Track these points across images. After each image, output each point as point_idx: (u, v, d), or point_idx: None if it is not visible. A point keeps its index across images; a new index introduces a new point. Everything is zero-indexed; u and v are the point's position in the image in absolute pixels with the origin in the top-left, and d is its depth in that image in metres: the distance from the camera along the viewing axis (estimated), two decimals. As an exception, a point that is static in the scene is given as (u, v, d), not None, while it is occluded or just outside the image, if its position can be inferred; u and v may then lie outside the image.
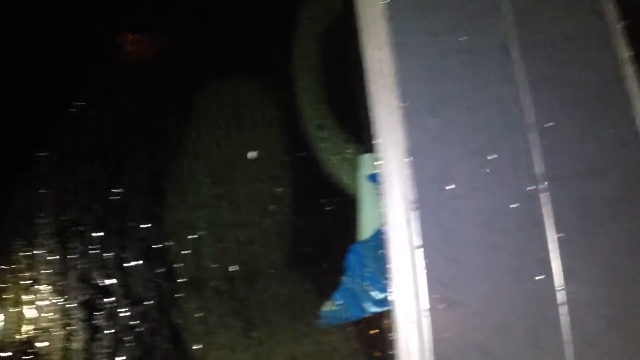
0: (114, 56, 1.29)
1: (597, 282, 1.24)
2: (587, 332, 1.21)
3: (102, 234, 1.09)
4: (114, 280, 1.10)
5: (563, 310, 1.21)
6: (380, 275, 1.23)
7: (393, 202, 1.19)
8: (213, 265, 1.21)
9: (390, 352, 1.16)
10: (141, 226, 1.15)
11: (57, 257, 1.08)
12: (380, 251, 1.21)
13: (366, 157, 1.31)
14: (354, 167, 1.33)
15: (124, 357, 1.08)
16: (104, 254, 1.11)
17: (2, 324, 1.05)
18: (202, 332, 1.18)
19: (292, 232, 1.34)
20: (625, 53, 1.38)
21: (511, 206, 1.23)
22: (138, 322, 1.11)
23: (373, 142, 1.23)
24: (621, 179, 1.31)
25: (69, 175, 1.13)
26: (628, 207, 1.30)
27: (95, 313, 1.07)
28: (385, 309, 1.21)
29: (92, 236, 1.10)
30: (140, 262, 1.14)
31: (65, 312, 1.06)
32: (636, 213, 1.31)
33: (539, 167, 1.28)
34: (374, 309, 1.22)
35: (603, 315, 1.23)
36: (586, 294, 1.23)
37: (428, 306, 1.15)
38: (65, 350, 1.07)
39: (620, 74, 1.37)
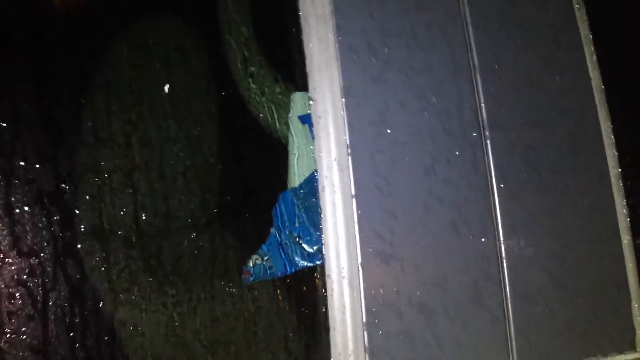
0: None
1: (539, 236, 1.18)
2: (528, 288, 1.15)
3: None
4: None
5: (505, 265, 1.14)
6: (311, 226, 1.11)
7: (326, 147, 1.08)
8: (121, 213, 1.07)
9: (321, 310, 1.06)
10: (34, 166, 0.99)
11: None
12: (312, 200, 1.10)
13: (297, 96, 1.18)
14: (283, 107, 1.21)
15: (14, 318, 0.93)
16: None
17: None
18: (108, 289, 1.04)
19: (214, 178, 1.20)
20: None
21: (455, 153, 1.14)
22: (28, 277, 0.96)
23: (305, 80, 1.11)
24: (568, 130, 1.25)
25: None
26: (573, 158, 1.24)
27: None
28: (316, 263, 1.11)
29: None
30: (30, 207, 0.98)
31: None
32: (582, 165, 1.25)
33: (483, 114, 1.19)
34: (304, 263, 1.12)
35: (544, 270, 1.17)
36: (528, 249, 1.17)
37: (362, 260, 1.05)
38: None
39: (573, 17, 1.29)
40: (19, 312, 0.95)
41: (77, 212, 1.02)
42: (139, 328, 1.11)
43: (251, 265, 1.13)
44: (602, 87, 1.29)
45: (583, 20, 1.29)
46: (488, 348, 1.11)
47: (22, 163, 0.99)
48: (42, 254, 0.98)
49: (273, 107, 1.23)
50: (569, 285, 1.19)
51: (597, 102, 1.28)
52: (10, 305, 0.95)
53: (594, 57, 1.31)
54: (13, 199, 0.98)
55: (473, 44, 1.21)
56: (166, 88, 1.16)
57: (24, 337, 0.95)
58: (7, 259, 0.96)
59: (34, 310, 0.96)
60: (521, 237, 1.17)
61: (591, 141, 1.26)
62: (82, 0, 1.27)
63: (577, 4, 1.30)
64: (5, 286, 0.95)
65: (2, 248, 0.96)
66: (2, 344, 0.94)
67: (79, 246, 1.01)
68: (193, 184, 1.15)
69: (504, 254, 1.14)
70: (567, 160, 1.23)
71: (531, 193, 1.20)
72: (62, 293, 0.98)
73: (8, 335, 0.95)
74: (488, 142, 1.17)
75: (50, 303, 0.97)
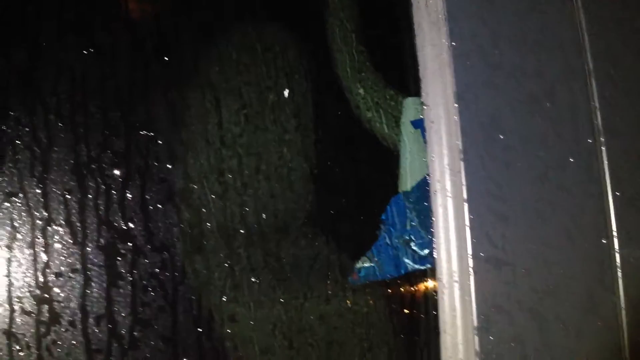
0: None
1: (656, 245, 1.15)
2: (644, 298, 1.12)
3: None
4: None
5: (619, 275, 1.12)
6: (422, 230, 1.13)
7: (438, 151, 1.09)
8: (242, 212, 1.12)
9: (431, 314, 1.07)
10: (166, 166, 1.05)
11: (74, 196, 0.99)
12: (423, 204, 1.11)
13: (409, 101, 1.20)
14: (393, 112, 1.23)
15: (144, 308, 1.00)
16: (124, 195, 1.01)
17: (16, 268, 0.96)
18: (228, 284, 1.09)
19: (329, 182, 1.24)
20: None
21: (569, 160, 1.12)
22: (159, 270, 1.02)
23: (417, 85, 1.12)
24: (687, 136, 1.21)
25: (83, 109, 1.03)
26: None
27: (115, 259, 0.98)
28: (426, 267, 1.12)
29: (111, 175, 1.01)
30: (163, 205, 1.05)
31: (82, 257, 0.97)
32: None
33: (598, 119, 1.17)
34: (414, 267, 1.13)
35: (662, 280, 1.14)
36: (644, 258, 1.14)
37: (473, 264, 1.06)
38: (84, 297, 0.98)
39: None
40: (151, 304, 1.02)
41: (203, 210, 1.08)
42: (251, 323, 1.16)
43: (360, 266, 1.16)
44: None
45: None
46: (601, 358, 1.09)
47: (155, 163, 1.06)
48: (172, 249, 1.05)
49: (382, 112, 1.25)
50: (687, 297, 1.14)
51: None
52: (144, 297, 1.02)
53: None
54: (147, 196, 1.05)
55: (588, 48, 1.19)
56: (286, 93, 1.20)
57: (156, 327, 1.02)
58: (141, 253, 1.03)
59: (165, 302, 1.03)
60: (637, 246, 1.13)
61: None
62: (193, 3, 1.33)
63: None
64: (140, 278, 1.02)
65: (138, 243, 1.03)
66: (136, 332, 1.01)
67: (204, 243, 1.07)
68: (307, 187, 1.19)
69: (618, 263, 1.12)
70: (687, 168, 1.19)
71: (647, 201, 1.17)
72: (189, 287, 1.04)
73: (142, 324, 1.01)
74: (603, 148, 1.15)
75: (179, 296, 1.03)
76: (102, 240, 1.02)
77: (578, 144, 1.14)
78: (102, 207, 1.02)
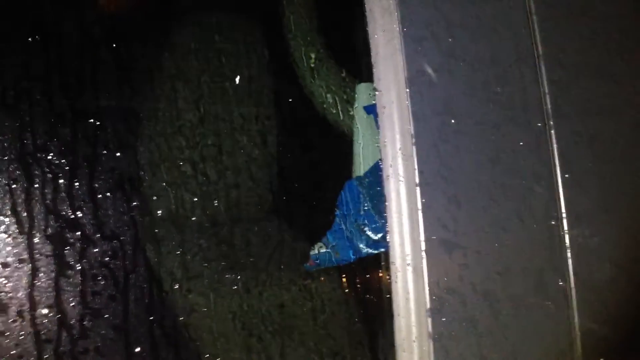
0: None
1: (605, 226, 1.17)
2: (592, 278, 1.14)
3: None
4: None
5: (569, 255, 1.14)
6: (376, 214, 1.14)
7: (391, 136, 1.09)
8: (194, 200, 1.11)
9: (385, 297, 1.08)
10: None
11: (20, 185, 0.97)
12: (376, 189, 1.12)
13: (362, 86, 1.20)
14: (347, 98, 1.23)
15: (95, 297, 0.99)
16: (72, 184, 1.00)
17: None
18: (182, 274, 1.09)
19: (281, 168, 1.24)
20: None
21: (520, 144, 1.14)
22: (110, 259, 1.01)
23: (370, 71, 1.12)
24: (634, 119, 1.23)
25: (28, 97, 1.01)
26: (638, 148, 1.22)
27: (63, 248, 0.97)
28: (380, 251, 1.13)
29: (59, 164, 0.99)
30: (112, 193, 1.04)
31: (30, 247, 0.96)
32: (647, 154, 1.24)
33: (548, 104, 1.19)
34: (369, 251, 1.14)
35: (610, 260, 1.16)
36: (592, 239, 1.16)
37: (426, 247, 1.07)
38: (32, 287, 0.97)
39: (640, 5, 1.27)
40: (102, 293, 1.01)
41: (154, 198, 1.08)
42: (207, 311, 1.16)
43: (316, 252, 1.16)
44: (672, 76, 1.26)
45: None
46: (552, 336, 1.12)
47: (104, 151, 1.05)
48: (122, 238, 1.04)
49: (337, 99, 1.26)
50: (635, 275, 1.17)
51: (666, 91, 1.26)
52: (95, 286, 1.01)
53: (663, 45, 1.28)
54: (96, 185, 1.04)
55: (537, 33, 1.20)
56: (237, 79, 1.19)
57: (107, 315, 1.01)
58: (91, 242, 1.02)
59: (116, 291, 1.02)
60: (586, 226, 1.16)
61: (659, 130, 1.24)
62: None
63: (646, -7, 1.27)
64: (90, 267, 1.01)
65: (87, 231, 1.02)
66: (86, 322, 1.00)
67: (156, 231, 1.06)
68: (260, 173, 1.19)
69: (568, 244, 1.14)
70: (634, 150, 1.22)
71: (596, 182, 1.19)
72: (141, 275, 1.03)
73: (91, 313, 1.00)
74: (552, 131, 1.17)
75: (130, 284, 1.02)
76: (49, 230, 1.00)
77: (528, 127, 1.15)
78: (49, 197, 1.01)
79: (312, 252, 1.17)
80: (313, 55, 1.29)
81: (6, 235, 0.99)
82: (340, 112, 1.25)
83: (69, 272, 1.00)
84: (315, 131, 1.26)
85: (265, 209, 1.21)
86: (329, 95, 1.27)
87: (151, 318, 1.04)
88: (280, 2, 1.33)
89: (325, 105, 1.26)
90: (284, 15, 1.33)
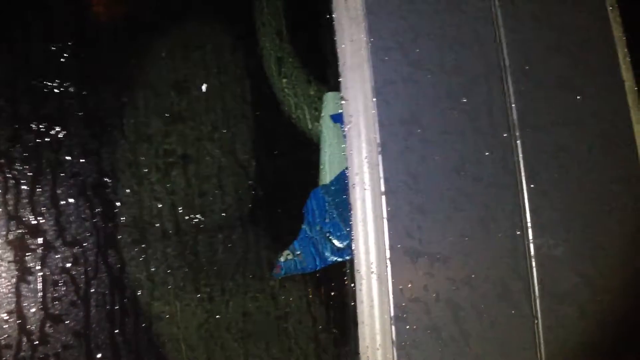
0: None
1: (568, 236, 1.18)
2: (557, 287, 1.15)
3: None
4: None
5: (533, 264, 1.15)
6: (341, 222, 1.14)
7: (357, 145, 1.10)
8: (159, 206, 1.11)
9: (349, 305, 1.08)
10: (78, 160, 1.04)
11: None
12: (342, 197, 1.12)
13: (329, 95, 1.21)
14: (316, 107, 1.24)
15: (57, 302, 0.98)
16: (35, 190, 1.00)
17: None
18: (145, 281, 1.08)
19: (248, 176, 1.24)
20: (612, -3, 1.30)
21: (485, 153, 1.15)
22: (72, 265, 1.01)
23: (337, 80, 1.13)
24: (599, 130, 1.25)
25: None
26: (604, 159, 1.24)
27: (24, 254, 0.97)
28: (345, 258, 1.13)
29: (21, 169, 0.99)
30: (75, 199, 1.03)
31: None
32: (613, 166, 1.25)
33: (513, 114, 1.20)
34: (334, 259, 1.14)
35: (574, 270, 1.17)
36: (557, 248, 1.18)
37: (390, 255, 1.07)
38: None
39: (607, 19, 1.29)
40: (63, 299, 1.01)
41: (118, 204, 1.07)
42: (173, 318, 1.15)
43: (282, 260, 1.16)
44: (636, 89, 1.28)
45: (617, 22, 1.28)
46: (516, 344, 1.12)
47: (67, 157, 1.05)
48: (84, 244, 1.03)
49: (305, 107, 1.26)
50: (599, 285, 1.18)
51: (629, 103, 1.27)
52: (55, 292, 1.00)
53: (628, 59, 1.30)
54: (59, 191, 1.04)
55: (504, 45, 1.22)
56: (204, 87, 1.20)
57: (67, 322, 1.01)
58: (53, 248, 1.01)
59: (77, 297, 1.01)
60: (550, 236, 1.17)
61: (623, 143, 1.26)
62: (126, 1, 1.32)
63: (611, 6, 1.29)
64: (50, 273, 1.00)
65: (49, 237, 1.01)
66: (47, 327, 0.99)
67: (119, 237, 1.06)
68: (227, 180, 1.19)
69: (532, 253, 1.15)
70: (599, 161, 1.23)
71: (561, 193, 1.20)
72: (104, 282, 1.03)
73: (53, 319, 1.00)
74: (518, 142, 1.18)
75: (92, 290, 1.02)
76: (10, 236, 1.00)
77: (494, 137, 1.17)
78: (10, 202, 1.00)
79: (278, 260, 1.17)
80: (282, 63, 1.30)
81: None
82: (308, 120, 1.26)
83: (30, 277, 0.99)
84: (283, 139, 1.27)
85: (232, 216, 1.21)
86: (297, 103, 1.27)
87: (113, 325, 1.03)
88: (250, 11, 1.34)
89: (294, 113, 1.27)
90: (256, 23, 1.34)
